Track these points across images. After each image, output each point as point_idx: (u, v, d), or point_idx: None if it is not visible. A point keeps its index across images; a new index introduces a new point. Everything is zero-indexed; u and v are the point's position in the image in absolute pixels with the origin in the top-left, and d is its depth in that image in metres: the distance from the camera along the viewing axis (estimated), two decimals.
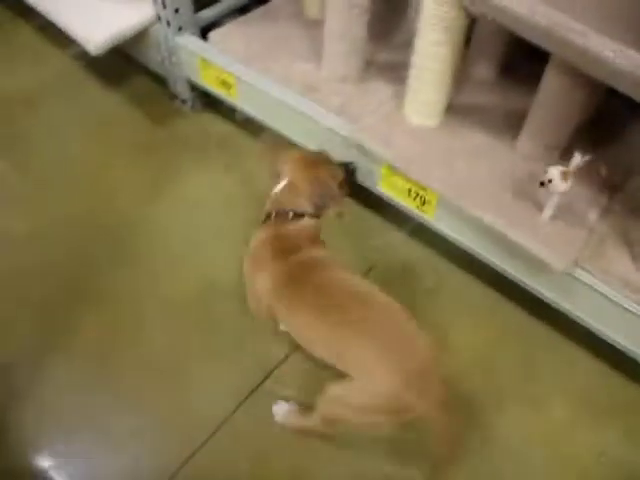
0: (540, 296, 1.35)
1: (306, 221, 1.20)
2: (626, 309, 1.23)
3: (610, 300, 1.24)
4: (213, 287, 1.49)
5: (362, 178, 1.45)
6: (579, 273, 1.25)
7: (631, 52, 1.01)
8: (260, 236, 1.19)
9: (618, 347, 1.31)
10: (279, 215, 1.20)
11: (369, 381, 1.01)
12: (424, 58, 1.28)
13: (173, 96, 1.92)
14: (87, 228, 1.61)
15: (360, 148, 1.38)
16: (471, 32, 1.46)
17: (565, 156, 1.31)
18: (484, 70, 1.54)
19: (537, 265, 1.25)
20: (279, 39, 1.63)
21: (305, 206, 1.20)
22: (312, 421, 1.17)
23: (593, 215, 1.30)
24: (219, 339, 1.42)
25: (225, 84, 1.64)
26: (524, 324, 1.47)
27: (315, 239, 1.20)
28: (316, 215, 1.21)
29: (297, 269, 1.13)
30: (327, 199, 1.20)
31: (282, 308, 1.12)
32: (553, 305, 1.35)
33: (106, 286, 1.49)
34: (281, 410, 1.29)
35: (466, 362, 1.40)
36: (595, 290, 1.24)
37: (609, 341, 1.31)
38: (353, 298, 1.07)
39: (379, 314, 1.06)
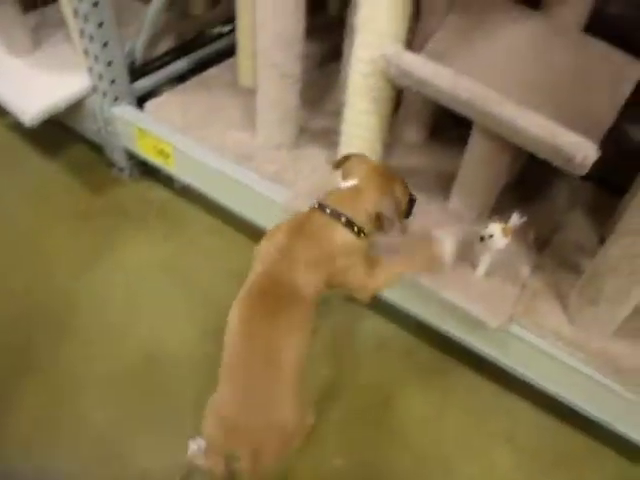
0: (480, 353, 1.38)
1: (351, 235, 1.05)
2: (562, 362, 1.26)
3: (546, 354, 1.27)
4: (153, 358, 1.46)
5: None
6: (514, 329, 1.28)
7: (545, 121, 1.07)
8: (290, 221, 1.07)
9: (559, 399, 1.34)
10: (330, 213, 1.05)
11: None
12: (353, 127, 1.32)
13: (111, 164, 1.91)
14: (24, 300, 1.56)
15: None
16: (400, 97, 1.52)
17: (495, 215, 1.37)
18: (414, 133, 1.60)
19: (474, 322, 1.27)
20: (215, 108, 1.66)
21: (363, 217, 1.07)
22: None
23: (525, 271, 1.34)
24: (159, 410, 1.38)
25: (162, 153, 1.65)
26: (469, 381, 1.49)
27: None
28: (364, 232, 1.07)
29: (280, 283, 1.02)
30: (392, 218, 1.08)
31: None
32: (493, 361, 1.37)
33: (43, 361, 1.44)
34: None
35: (411, 422, 1.40)
36: (531, 344, 1.28)
37: (551, 394, 1.34)
38: (267, 355, 1.00)
39: (265, 377, 1.00)
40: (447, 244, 1.20)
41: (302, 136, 1.57)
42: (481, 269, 1.29)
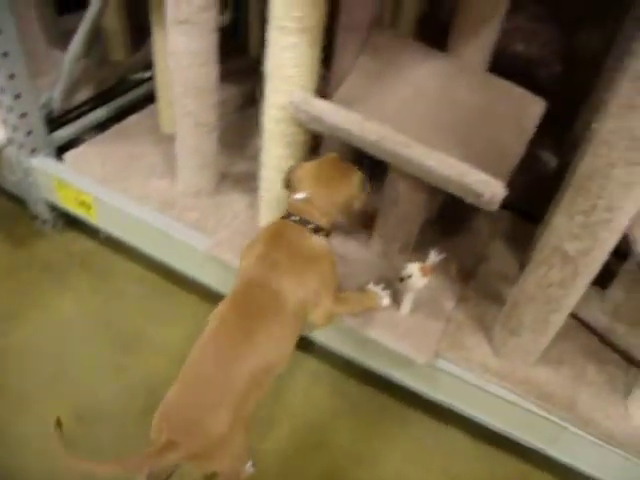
0: (412, 389, 1.38)
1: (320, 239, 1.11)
2: (490, 392, 1.27)
3: (474, 386, 1.28)
4: (83, 416, 1.40)
5: (224, 288, 1.44)
6: (441, 364, 1.29)
7: (453, 161, 1.09)
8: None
9: (492, 429, 1.35)
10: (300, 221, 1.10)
11: None
12: (271, 171, 1.32)
13: (34, 216, 1.86)
14: None
15: (218, 262, 1.38)
16: (320, 138, 1.53)
17: (417, 251, 1.39)
18: None
19: (402, 360, 1.28)
20: (135, 156, 1.63)
21: (322, 221, 1.11)
22: None
23: (449, 305, 1.36)
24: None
25: (84, 204, 1.61)
26: (403, 415, 1.48)
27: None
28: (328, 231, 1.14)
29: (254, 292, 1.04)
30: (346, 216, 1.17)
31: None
32: (425, 396, 1.38)
33: None
34: None
35: (347, 461, 1.38)
36: (459, 378, 1.29)
37: (484, 424, 1.35)
38: (227, 361, 1.00)
39: (215, 382, 0.99)
40: (384, 299, 1.25)
41: (223, 182, 1.57)
42: (405, 307, 1.30)
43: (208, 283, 1.51)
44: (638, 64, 0.89)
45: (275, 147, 1.27)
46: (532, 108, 1.28)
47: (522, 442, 1.34)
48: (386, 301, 1.25)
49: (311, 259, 1.09)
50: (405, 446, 1.43)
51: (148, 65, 1.93)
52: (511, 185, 1.13)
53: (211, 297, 1.46)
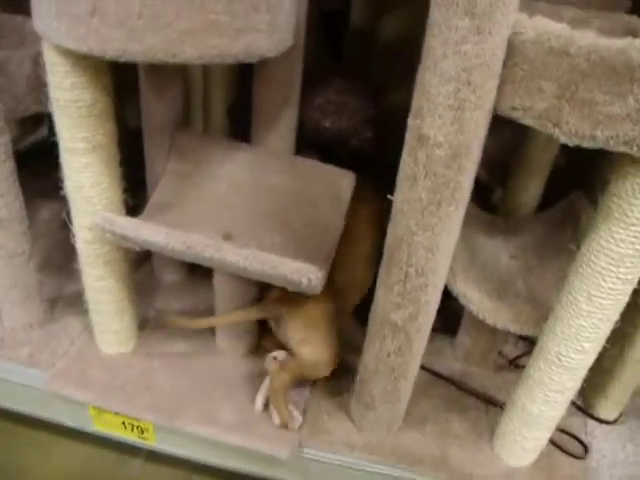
0: None
1: None
2: (363, 470, 1.25)
3: (346, 467, 1.26)
4: None
5: (74, 422, 1.35)
6: (307, 452, 1.26)
7: (265, 255, 1.09)
8: None
9: None
10: None
11: None
12: (95, 293, 1.26)
13: None
14: None
15: (60, 396, 1.29)
16: None
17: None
18: (172, 274, 1.58)
19: (268, 458, 1.23)
20: None
21: None
22: None
23: (304, 390, 1.34)
24: None
25: None
26: None
27: None
28: None
29: None
30: None
31: None
32: None
33: None
34: None
35: None
36: (328, 463, 1.26)
37: None
38: None
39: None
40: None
41: (55, 306, 1.48)
42: (259, 401, 1.26)
43: (56, 419, 1.40)
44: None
45: (93, 269, 1.22)
46: (343, 181, 1.32)
47: None
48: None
49: None
50: None
51: None
52: None
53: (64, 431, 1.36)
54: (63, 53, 0.96)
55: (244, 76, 1.55)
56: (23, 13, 1.37)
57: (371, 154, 1.58)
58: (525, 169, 1.40)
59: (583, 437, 1.34)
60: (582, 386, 1.13)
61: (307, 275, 1.07)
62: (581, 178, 1.46)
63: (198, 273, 1.58)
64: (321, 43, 1.72)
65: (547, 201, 1.46)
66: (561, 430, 1.30)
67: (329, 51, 1.82)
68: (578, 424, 1.37)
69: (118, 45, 0.88)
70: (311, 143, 1.47)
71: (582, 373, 1.10)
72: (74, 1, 0.86)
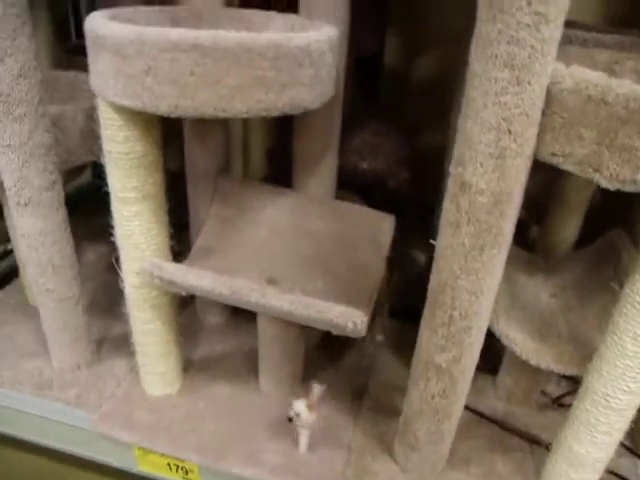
0: None
1: None
2: None
3: None
4: None
5: (119, 463, 1.37)
6: None
7: (308, 300, 1.11)
8: None
9: None
10: None
11: None
12: (142, 335, 1.29)
13: None
14: None
15: (107, 437, 1.32)
16: None
17: (307, 380, 1.38)
18: (215, 316, 1.60)
19: None
20: (3, 337, 1.56)
21: None
22: None
23: (347, 431, 1.34)
24: None
25: None
26: None
27: None
28: None
29: None
30: None
31: None
32: None
33: None
34: None
35: None
36: None
37: None
38: None
39: None
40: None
41: (102, 347, 1.51)
42: (302, 446, 1.27)
43: (102, 460, 1.42)
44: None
45: (140, 312, 1.25)
46: (383, 224, 1.34)
47: None
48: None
49: None
50: None
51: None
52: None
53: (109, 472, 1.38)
54: (118, 109, 1.01)
55: (281, 120, 1.60)
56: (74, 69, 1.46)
57: (408, 195, 1.60)
58: (562, 207, 1.41)
59: (633, 479, 1.31)
60: (630, 427, 1.12)
61: (352, 319, 1.09)
62: (619, 214, 1.46)
63: (241, 315, 1.60)
64: (356, 86, 1.76)
65: (585, 237, 1.46)
66: (610, 472, 1.28)
67: (364, 94, 1.86)
68: (628, 465, 1.35)
69: (170, 102, 0.93)
70: (350, 184, 1.50)
71: (630, 413, 1.08)
72: (130, 61, 0.91)
